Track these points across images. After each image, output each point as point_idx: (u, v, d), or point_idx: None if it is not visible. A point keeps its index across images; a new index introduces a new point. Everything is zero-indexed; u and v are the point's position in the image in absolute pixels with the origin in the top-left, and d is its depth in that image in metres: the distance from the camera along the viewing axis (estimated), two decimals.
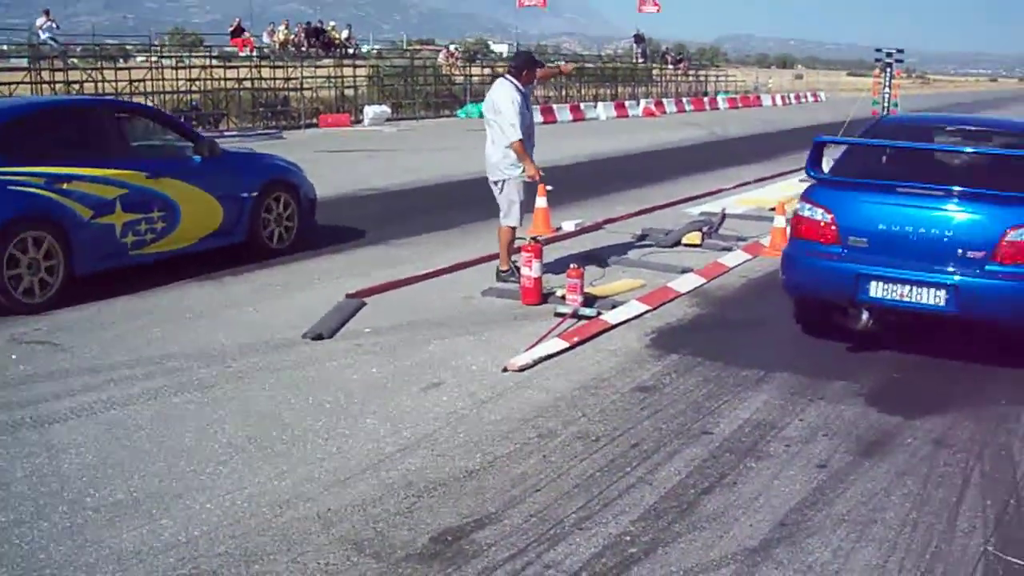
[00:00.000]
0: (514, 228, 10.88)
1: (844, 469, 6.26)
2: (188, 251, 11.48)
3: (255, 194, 12.24)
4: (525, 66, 10.81)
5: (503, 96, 10.50)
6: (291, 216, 12.82)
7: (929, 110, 25.61)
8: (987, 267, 8.01)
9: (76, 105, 13.03)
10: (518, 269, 10.50)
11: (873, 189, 8.60)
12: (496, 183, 10.73)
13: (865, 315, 8.54)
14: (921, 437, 6.83)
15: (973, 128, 10.04)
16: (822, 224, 8.63)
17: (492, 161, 10.67)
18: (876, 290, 8.34)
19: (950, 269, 8.11)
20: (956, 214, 8.15)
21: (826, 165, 9.40)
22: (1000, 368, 8.44)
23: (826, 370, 8.21)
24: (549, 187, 11.39)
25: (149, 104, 28.42)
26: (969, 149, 9.06)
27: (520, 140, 10.37)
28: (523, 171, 10.50)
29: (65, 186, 10.01)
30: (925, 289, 8.15)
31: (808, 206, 8.83)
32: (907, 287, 8.22)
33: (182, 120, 16.36)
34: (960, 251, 8.09)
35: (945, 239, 8.13)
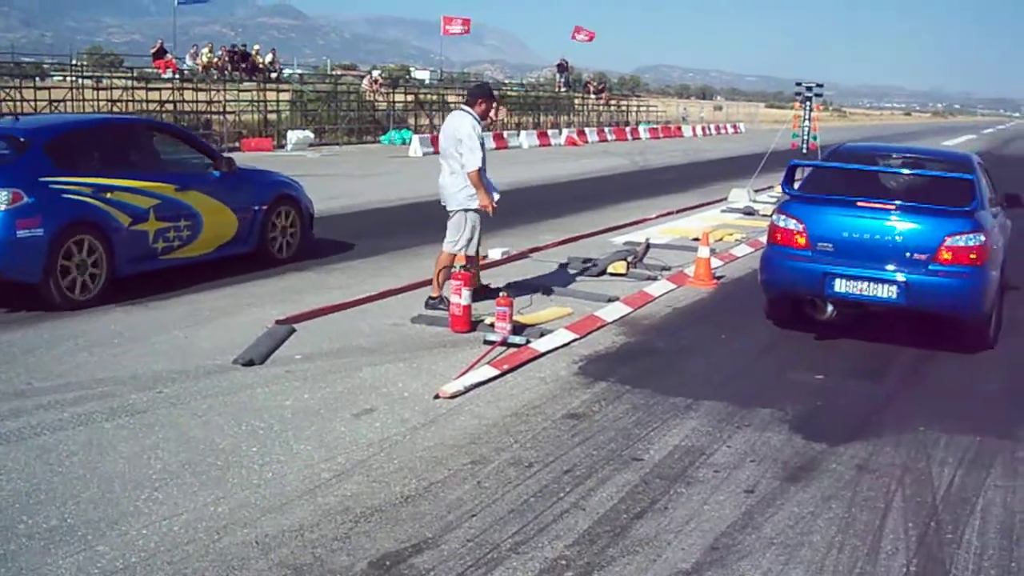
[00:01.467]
0: (454, 256, 10.96)
1: (771, 494, 6.42)
2: (206, 258, 12.61)
3: (265, 207, 13.44)
4: (482, 97, 11.12)
5: (464, 126, 10.70)
6: (294, 228, 14.01)
7: (853, 142, 25.98)
8: (930, 267, 9.67)
9: (116, 123, 14.45)
10: (444, 298, 10.62)
11: (837, 204, 10.20)
12: (452, 212, 10.91)
13: (831, 308, 10.30)
14: (845, 463, 7.02)
15: (910, 155, 11.77)
16: (795, 232, 10.25)
17: (449, 192, 10.89)
18: (840, 286, 9.96)
19: (900, 268, 9.74)
20: (905, 224, 9.81)
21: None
22: (918, 397, 8.74)
23: (752, 398, 8.39)
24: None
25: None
26: (907, 171, 10.82)
27: (478, 169, 10.56)
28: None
29: (108, 195, 11.14)
30: (880, 285, 9.81)
31: (783, 217, 10.45)
32: (866, 283, 9.85)
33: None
34: (908, 254, 9.74)
35: (896, 244, 9.79)
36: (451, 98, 52.41)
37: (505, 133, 46.01)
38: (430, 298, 11.04)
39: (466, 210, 10.83)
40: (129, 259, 11.36)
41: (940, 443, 7.49)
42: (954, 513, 6.25)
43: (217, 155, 13.29)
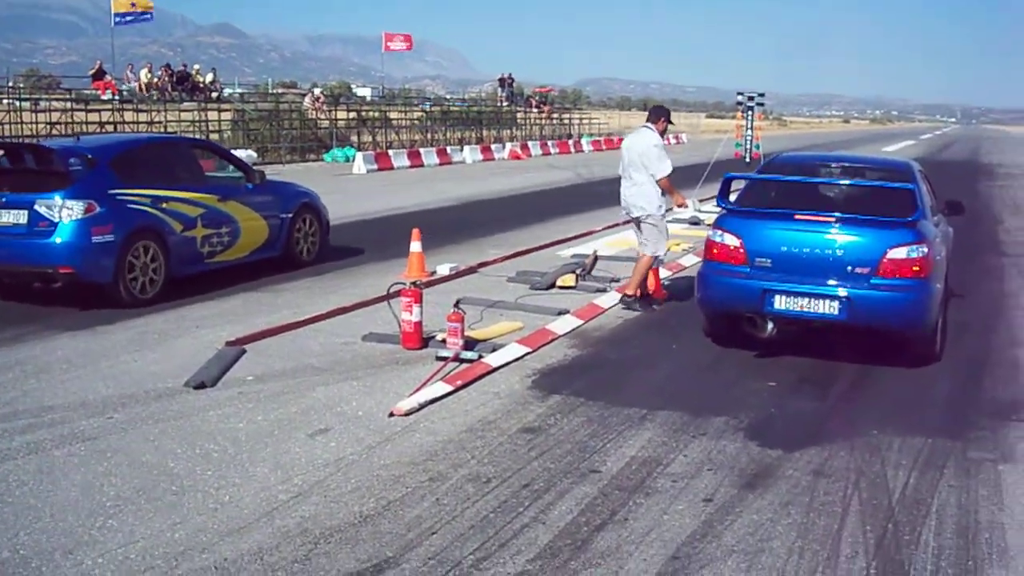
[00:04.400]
0: (655, 257, 12.35)
1: (730, 502, 6.45)
2: (243, 261, 13.90)
3: (290, 215, 14.81)
4: (661, 116, 12.52)
5: (648, 141, 12.18)
6: (315, 235, 15.42)
7: (793, 151, 26.29)
8: (872, 280, 9.37)
9: (166, 140, 17.50)
10: (644, 297, 12.29)
11: (774, 217, 9.93)
12: (638, 219, 12.25)
13: (770, 325, 9.82)
14: (801, 468, 7.07)
15: (849, 164, 11.51)
16: (732, 248, 9.94)
17: (632, 201, 12.24)
18: (780, 303, 9.64)
19: (842, 283, 9.42)
20: (845, 237, 9.49)
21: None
22: (870, 401, 8.81)
23: (706, 407, 8.43)
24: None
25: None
26: (847, 182, 10.58)
27: (669, 176, 11.98)
28: (663, 207, 12.24)
29: (164, 205, 12.46)
30: (821, 300, 9.48)
31: (719, 232, 10.14)
32: (806, 299, 9.54)
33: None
34: (849, 268, 9.43)
35: (836, 258, 9.48)
36: (393, 114, 52.30)
37: (448, 148, 45.94)
38: (626, 296, 12.26)
39: (653, 214, 12.08)
40: (181, 262, 12.67)
41: (894, 446, 7.56)
42: (910, 515, 6.31)
43: (248, 169, 14.66)
